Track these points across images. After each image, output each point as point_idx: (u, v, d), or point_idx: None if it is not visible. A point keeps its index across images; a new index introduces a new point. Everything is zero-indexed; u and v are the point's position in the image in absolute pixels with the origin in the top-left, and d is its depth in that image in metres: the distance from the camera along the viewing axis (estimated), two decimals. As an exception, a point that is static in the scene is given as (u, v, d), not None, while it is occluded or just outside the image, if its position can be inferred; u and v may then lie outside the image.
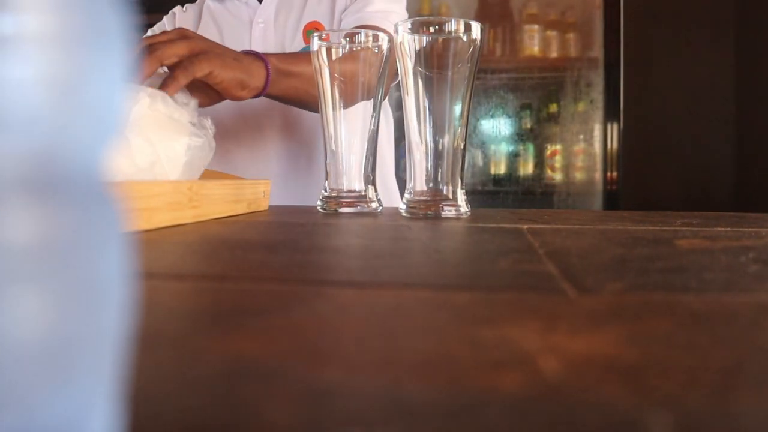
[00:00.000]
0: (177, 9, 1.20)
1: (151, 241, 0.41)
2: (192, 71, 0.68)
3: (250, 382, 0.14)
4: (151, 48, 0.68)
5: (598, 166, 2.36)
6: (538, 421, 0.12)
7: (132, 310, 0.10)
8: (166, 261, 0.34)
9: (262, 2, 1.11)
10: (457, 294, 0.25)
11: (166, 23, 1.18)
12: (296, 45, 1.07)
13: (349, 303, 0.23)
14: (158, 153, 0.56)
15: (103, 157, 0.10)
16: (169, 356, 0.16)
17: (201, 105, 0.71)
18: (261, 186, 0.72)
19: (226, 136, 1.06)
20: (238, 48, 1.06)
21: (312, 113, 0.98)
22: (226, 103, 0.95)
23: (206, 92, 0.75)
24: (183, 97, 0.66)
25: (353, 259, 0.35)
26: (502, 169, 2.43)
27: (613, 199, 2.30)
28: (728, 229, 0.50)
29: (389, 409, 0.13)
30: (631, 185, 2.41)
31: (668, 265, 0.32)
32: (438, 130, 0.61)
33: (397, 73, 0.65)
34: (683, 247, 0.39)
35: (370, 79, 0.67)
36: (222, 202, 0.60)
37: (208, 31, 1.12)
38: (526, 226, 0.52)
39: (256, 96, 0.82)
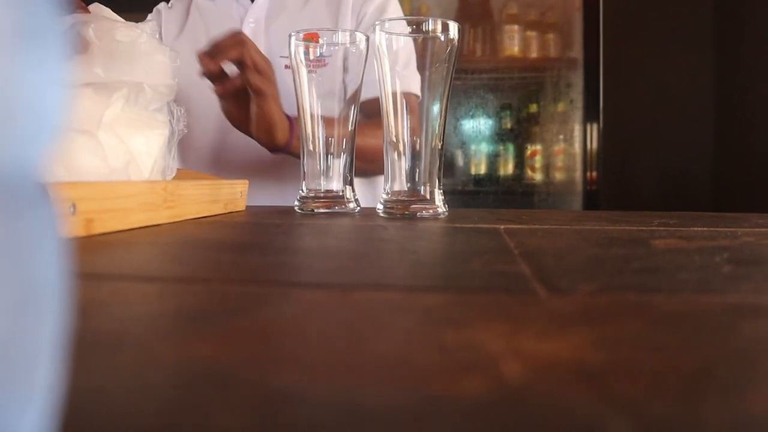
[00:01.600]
0: (162, 6, 1.16)
1: (123, 242, 0.40)
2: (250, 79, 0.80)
3: (204, 387, 0.14)
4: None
5: (578, 166, 2.37)
6: (501, 426, 0.12)
7: (69, 314, 0.10)
8: (136, 262, 0.34)
9: (254, 1, 1.08)
10: (427, 296, 0.24)
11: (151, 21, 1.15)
12: (286, 49, 1.05)
13: (316, 305, 0.23)
14: (131, 150, 0.55)
15: (40, 158, 0.10)
16: (126, 360, 0.16)
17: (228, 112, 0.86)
18: (238, 186, 0.71)
19: (205, 134, 1.04)
20: None
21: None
22: (205, 102, 0.94)
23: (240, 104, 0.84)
24: (160, 115, 0.64)
25: (327, 260, 0.35)
26: (482, 170, 2.44)
27: (593, 199, 2.31)
28: (704, 229, 0.51)
29: (347, 415, 0.12)
30: (611, 185, 2.43)
31: (643, 266, 0.32)
32: (415, 130, 0.61)
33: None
34: (659, 248, 0.39)
35: (348, 80, 0.67)
36: (198, 202, 0.60)
37: (195, 29, 1.09)
38: (503, 227, 0.51)
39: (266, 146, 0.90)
